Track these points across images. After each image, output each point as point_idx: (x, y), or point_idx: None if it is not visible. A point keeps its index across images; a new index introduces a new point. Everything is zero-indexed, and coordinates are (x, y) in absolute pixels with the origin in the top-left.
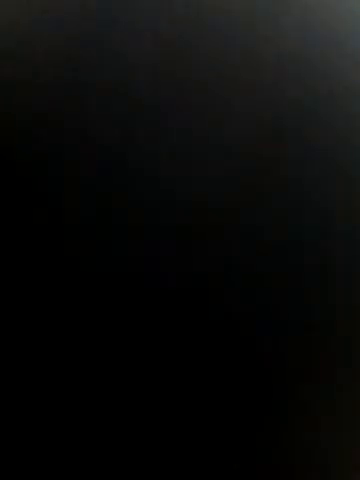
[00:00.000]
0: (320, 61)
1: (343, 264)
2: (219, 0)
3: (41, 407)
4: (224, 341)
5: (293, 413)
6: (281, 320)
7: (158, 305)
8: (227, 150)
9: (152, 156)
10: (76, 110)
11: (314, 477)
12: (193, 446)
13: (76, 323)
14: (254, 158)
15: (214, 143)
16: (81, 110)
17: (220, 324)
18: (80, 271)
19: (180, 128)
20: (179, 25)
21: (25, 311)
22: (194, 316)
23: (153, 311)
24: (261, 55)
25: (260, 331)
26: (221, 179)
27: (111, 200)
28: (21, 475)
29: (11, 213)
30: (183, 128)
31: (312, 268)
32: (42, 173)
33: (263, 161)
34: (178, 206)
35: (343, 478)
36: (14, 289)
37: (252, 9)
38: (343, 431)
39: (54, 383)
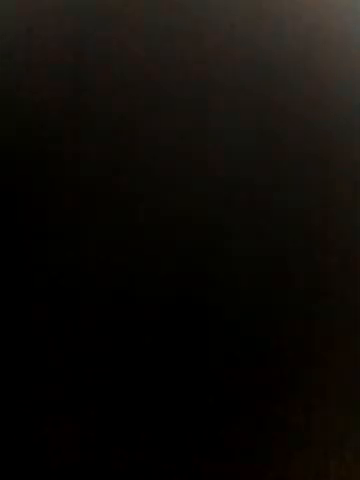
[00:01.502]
0: (321, 61)
1: (343, 264)
2: (221, 0)
3: (41, 410)
4: (223, 341)
5: (293, 411)
6: (281, 320)
7: (157, 304)
8: (227, 151)
9: (152, 156)
10: (76, 110)
11: (313, 475)
12: (192, 446)
13: (76, 324)
14: (254, 158)
15: (214, 143)
16: (81, 110)
17: (220, 323)
18: (80, 270)
19: (180, 128)
20: (179, 25)
21: (24, 314)
22: (194, 315)
23: (152, 310)
24: (262, 54)
25: (260, 331)
26: (221, 180)
27: (111, 199)
28: (21, 475)
29: (10, 212)
30: (183, 128)
31: (312, 268)
32: (42, 173)
33: (263, 161)
34: (178, 206)
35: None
36: (12, 290)
37: (254, 9)
38: (343, 430)
39: (54, 388)
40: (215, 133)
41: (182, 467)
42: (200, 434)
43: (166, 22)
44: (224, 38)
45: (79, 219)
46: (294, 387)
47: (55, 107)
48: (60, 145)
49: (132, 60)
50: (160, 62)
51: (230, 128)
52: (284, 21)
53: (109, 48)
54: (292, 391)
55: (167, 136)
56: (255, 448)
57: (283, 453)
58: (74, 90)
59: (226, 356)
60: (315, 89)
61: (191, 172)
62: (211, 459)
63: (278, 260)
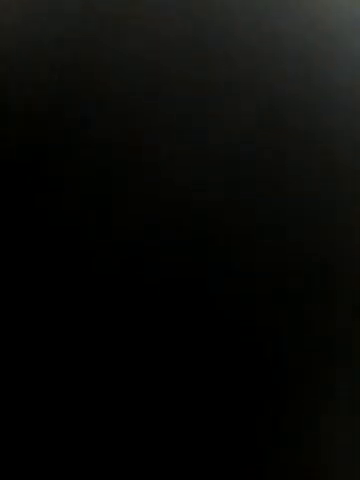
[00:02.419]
0: (320, 59)
1: (343, 264)
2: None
3: (41, 403)
4: (223, 339)
5: (292, 411)
6: (281, 319)
7: (157, 303)
8: (227, 150)
9: (151, 156)
10: (76, 110)
11: (314, 476)
12: (192, 444)
13: (76, 319)
14: (254, 157)
15: (214, 142)
16: (81, 111)
17: (218, 322)
18: (80, 270)
19: (180, 127)
20: (178, 24)
21: (25, 306)
22: (193, 317)
23: (152, 310)
24: (261, 53)
25: (260, 330)
26: (221, 178)
27: (111, 200)
28: (21, 475)
29: (12, 211)
30: (183, 127)
31: (312, 268)
32: (42, 172)
33: (263, 160)
34: (178, 205)
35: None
36: (15, 284)
37: (253, 7)
38: (342, 430)
39: (54, 376)
40: (215, 130)
41: (182, 467)
42: (199, 434)
43: (167, 19)
44: (225, 36)
45: (77, 215)
46: (295, 387)
47: (55, 107)
48: (60, 143)
49: (132, 59)
50: (159, 56)
51: (230, 120)
52: (284, 12)
53: (109, 46)
54: (293, 391)
55: (167, 135)
56: (255, 447)
57: (282, 453)
58: (74, 89)
59: (225, 354)
60: (316, 79)
61: (190, 170)
62: (210, 459)
63: (277, 259)
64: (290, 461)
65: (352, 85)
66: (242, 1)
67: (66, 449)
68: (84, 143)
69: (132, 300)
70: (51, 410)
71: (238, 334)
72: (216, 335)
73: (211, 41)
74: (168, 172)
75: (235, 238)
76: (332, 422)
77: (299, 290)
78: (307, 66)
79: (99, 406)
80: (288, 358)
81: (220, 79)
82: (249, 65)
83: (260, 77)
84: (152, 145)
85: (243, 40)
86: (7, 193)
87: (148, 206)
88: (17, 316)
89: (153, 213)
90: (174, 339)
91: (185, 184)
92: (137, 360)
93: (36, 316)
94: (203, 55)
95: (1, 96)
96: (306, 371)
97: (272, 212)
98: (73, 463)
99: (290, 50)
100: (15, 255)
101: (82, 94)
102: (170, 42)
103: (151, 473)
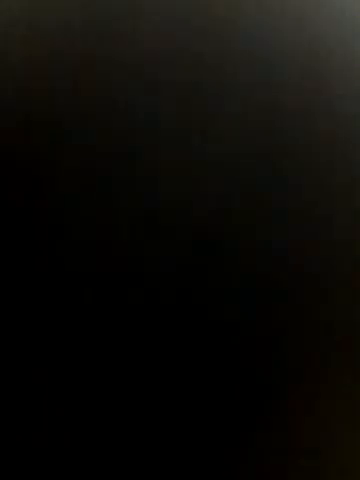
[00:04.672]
0: (320, 61)
1: (343, 265)
2: (220, 1)
3: (41, 407)
4: (222, 342)
5: (292, 413)
6: (280, 321)
7: (156, 308)
8: (226, 151)
9: (151, 158)
10: (76, 113)
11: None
12: (191, 449)
13: (75, 324)
14: (254, 164)
15: (213, 143)
16: (81, 112)
17: (219, 325)
18: (80, 275)
19: (180, 127)
20: (179, 26)
21: (24, 311)
22: (193, 315)
23: (151, 313)
24: (260, 55)
25: (260, 332)
26: (221, 179)
27: (111, 204)
28: (21, 475)
29: (11, 213)
30: (182, 127)
31: (312, 270)
32: (43, 174)
33: (263, 166)
34: (178, 210)
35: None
36: (13, 288)
37: (252, 9)
38: (343, 431)
39: (53, 385)
40: (215, 132)
41: (181, 468)
42: (199, 435)
43: (166, 20)
44: (223, 39)
45: (75, 218)
46: (294, 387)
47: (55, 110)
48: (60, 141)
49: (131, 58)
50: (160, 60)
51: (231, 127)
52: (286, 20)
53: (109, 45)
54: (292, 391)
55: (167, 137)
56: (255, 448)
57: (282, 454)
58: (73, 89)
59: (225, 357)
60: (316, 86)
61: (190, 172)
62: (210, 460)
63: (277, 260)
64: (290, 461)
65: (352, 87)
66: (242, 7)
67: (66, 449)
68: (85, 145)
69: (131, 302)
70: (51, 409)
71: (238, 334)
72: (216, 335)
73: (211, 45)
74: (167, 178)
75: (235, 242)
76: (332, 422)
77: (299, 290)
78: (307, 69)
79: (97, 408)
80: (288, 358)
81: (219, 84)
82: (249, 70)
83: (260, 82)
84: (152, 146)
85: (243, 46)
86: (7, 193)
87: (147, 212)
88: (16, 315)
89: (152, 219)
90: (174, 340)
91: (184, 191)
92: (137, 357)
93: (34, 315)
94: (204, 59)
95: (1, 98)
96: (306, 371)
97: (272, 216)
98: (73, 463)
99: (290, 54)
100: (14, 255)
101: (82, 97)
102: (170, 47)
103: (152, 472)
